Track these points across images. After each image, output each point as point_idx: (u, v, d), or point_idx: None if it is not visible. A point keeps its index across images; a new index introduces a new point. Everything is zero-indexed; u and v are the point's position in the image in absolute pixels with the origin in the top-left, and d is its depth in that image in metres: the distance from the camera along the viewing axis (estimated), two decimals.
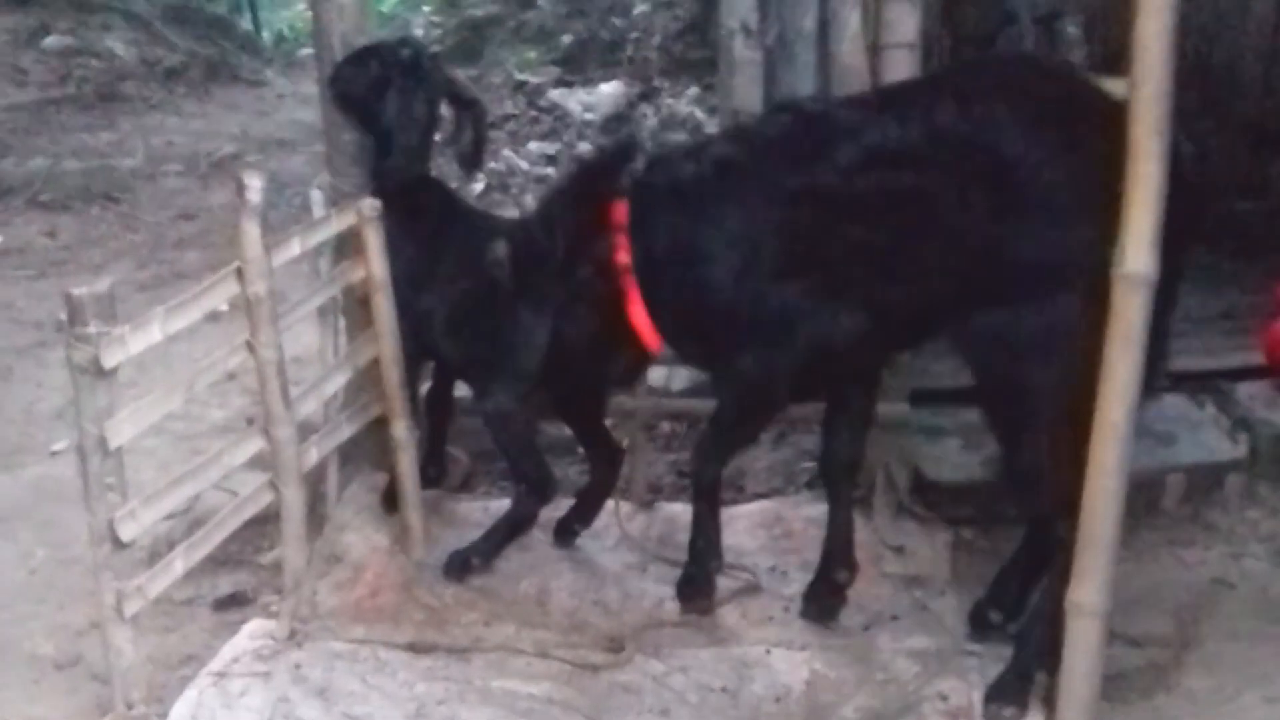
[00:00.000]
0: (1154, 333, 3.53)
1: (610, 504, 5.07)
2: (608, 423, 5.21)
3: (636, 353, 4.55)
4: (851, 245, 3.95)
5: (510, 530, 4.95)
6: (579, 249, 4.38)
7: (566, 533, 5.07)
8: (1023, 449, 3.91)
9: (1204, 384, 5.65)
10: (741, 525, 5.04)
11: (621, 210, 4.35)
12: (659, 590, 4.74)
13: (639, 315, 4.37)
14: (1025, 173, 3.71)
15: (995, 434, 4.03)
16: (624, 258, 4.33)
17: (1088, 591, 3.67)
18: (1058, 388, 3.74)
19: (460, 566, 4.85)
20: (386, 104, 4.98)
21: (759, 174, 4.12)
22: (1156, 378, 3.83)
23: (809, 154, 4.02)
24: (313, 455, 4.71)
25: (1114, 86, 3.78)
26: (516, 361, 4.69)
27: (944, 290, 3.90)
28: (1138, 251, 3.42)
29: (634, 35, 12.33)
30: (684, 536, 4.73)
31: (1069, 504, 3.75)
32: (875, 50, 5.03)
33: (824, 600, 4.55)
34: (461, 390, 5.44)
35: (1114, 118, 3.50)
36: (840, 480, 4.51)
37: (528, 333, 4.61)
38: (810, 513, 5.04)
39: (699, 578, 4.59)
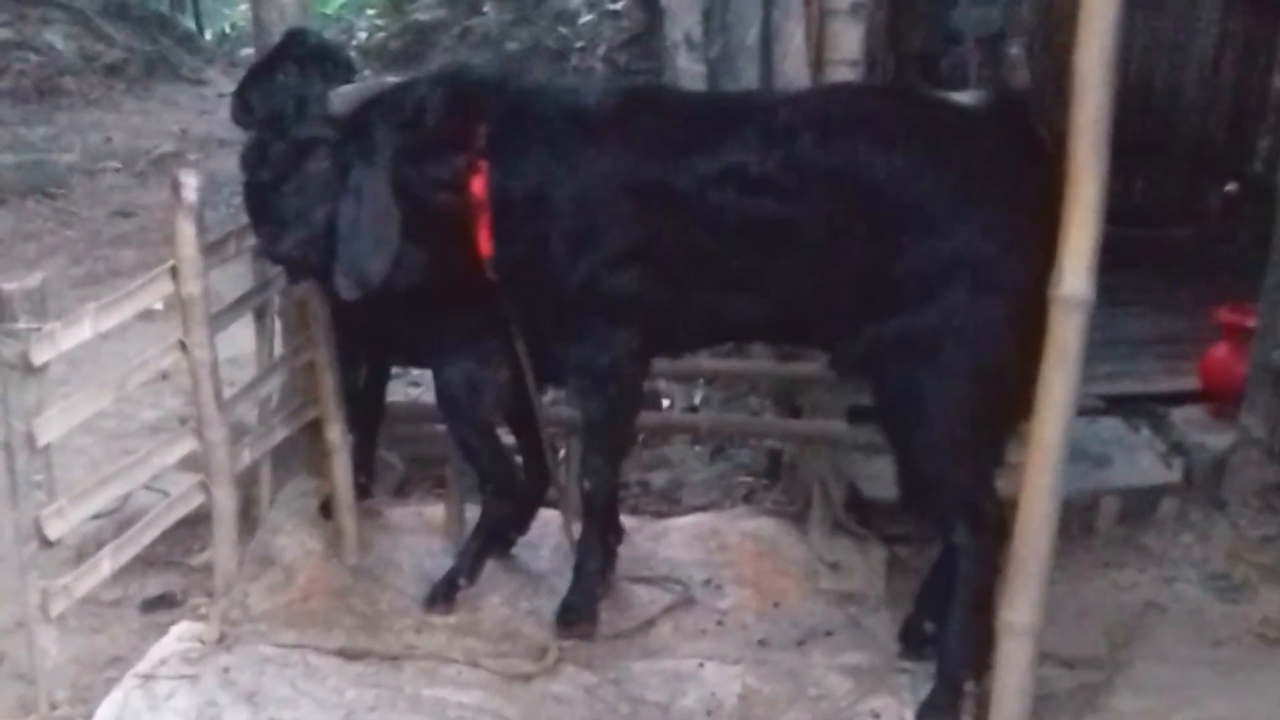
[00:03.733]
0: None
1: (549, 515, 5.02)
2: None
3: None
4: (695, 250, 4.07)
5: (487, 538, 4.79)
6: (442, 144, 4.21)
7: (502, 540, 4.98)
8: (917, 454, 3.97)
9: (1140, 408, 5.71)
10: (677, 538, 5.03)
11: (481, 135, 4.20)
12: None
13: (484, 243, 4.21)
14: (888, 192, 3.83)
15: (891, 443, 4.08)
16: (479, 186, 4.18)
17: (1020, 611, 3.69)
18: (948, 390, 3.83)
19: (445, 594, 4.67)
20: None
21: (617, 145, 4.15)
22: None
23: (668, 143, 4.08)
24: (245, 457, 4.68)
25: (964, 98, 4.05)
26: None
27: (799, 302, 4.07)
28: (1074, 273, 3.45)
29: (579, 44, 12.30)
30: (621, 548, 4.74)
31: (966, 508, 3.92)
32: (818, 66, 5.05)
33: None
34: (394, 395, 5.42)
35: (968, 127, 3.85)
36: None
37: (373, 199, 4.15)
38: (746, 527, 5.04)
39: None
